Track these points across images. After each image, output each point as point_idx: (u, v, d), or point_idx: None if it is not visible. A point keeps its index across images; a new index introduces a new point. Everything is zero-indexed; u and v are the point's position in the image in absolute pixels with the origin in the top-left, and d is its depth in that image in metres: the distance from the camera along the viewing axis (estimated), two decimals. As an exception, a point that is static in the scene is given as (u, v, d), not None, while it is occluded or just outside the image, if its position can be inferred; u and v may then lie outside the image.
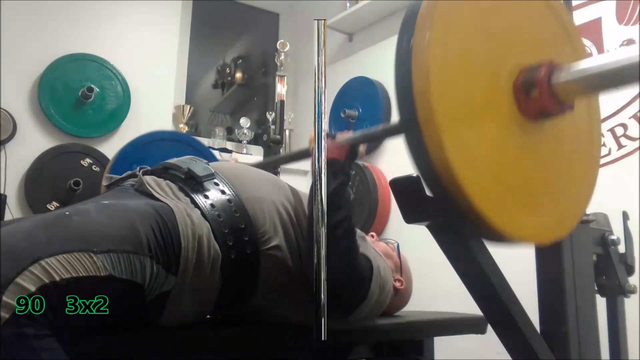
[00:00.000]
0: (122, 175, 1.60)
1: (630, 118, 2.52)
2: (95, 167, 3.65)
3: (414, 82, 1.11)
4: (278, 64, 3.58)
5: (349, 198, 1.51)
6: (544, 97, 1.23)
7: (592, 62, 1.21)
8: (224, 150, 4.08)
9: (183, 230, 1.31)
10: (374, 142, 3.81)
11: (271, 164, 2.70)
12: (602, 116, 2.50)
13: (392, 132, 1.60)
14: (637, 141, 2.47)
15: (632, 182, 2.38)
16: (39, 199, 3.47)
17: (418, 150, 1.13)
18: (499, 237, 1.22)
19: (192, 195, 1.44)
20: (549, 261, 1.46)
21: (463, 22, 1.21)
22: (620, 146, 2.55)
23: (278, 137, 2.77)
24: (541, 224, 1.30)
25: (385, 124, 1.53)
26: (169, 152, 2.41)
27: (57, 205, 3.45)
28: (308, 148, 1.74)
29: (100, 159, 3.67)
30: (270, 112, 3.91)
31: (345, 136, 1.63)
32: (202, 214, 1.40)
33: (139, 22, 4.07)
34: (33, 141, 3.56)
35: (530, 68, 1.26)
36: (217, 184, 1.49)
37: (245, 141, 4.40)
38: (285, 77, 3.47)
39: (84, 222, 1.20)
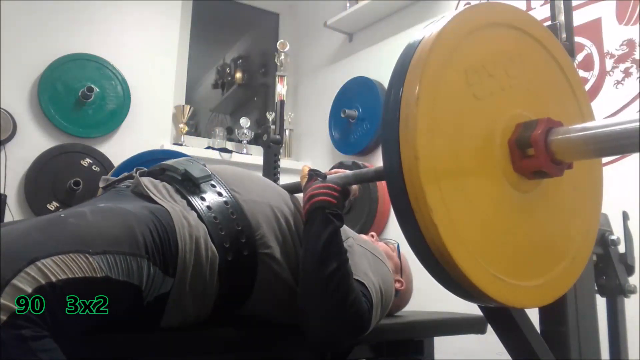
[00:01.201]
0: (119, 177, 1.60)
1: None
2: (95, 167, 3.65)
3: (400, 132, 1.09)
4: (278, 64, 3.55)
5: (342, 243, 1.48)
6: (540, 156, 1.18)
7: (595, 124, 1.17)
8: (224, 150, 4.08)
9: (180, 232, 1.31)
10: (376, 143, 3.83)
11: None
12: (603, 116, 2.51)
13: (379, 177, 1.52)
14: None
15: (632, 182, 2.38)
16: (39, 199, 3.47)
17: (400, 205, 1.10)
18: (494, 304, 1.19)
19: (189, 197, 1.44)
20: None
21: (456, 74, 1.17)
22: None
23: (278, 137, 2.74)
24: (538, 289, 1.26)
25: (378, 168, 1.49)
26: None
27: (57, 205, 3.45)
28: (300, 182, 1.69)
29: (100, 159, 3.67)
30: (270, 112, 3.90)
31: (336, 176, 1.60)
32: (199, 216, 1.40)
33: (139, 22, 4.07)
34: (33, 141, 3.55)
35: (527, 124, 1.23)
36: (214, 186, 1.49)
37: (245, 141, 4.39)
38: (285, 77, 3.45)
39: (79, 223, 1.20)
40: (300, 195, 1.63)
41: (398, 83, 1.13)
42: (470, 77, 1.19)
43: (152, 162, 1.60)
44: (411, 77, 1.11)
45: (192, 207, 1.41)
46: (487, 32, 1.26)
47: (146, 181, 1.47)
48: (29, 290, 1.02)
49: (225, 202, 1.45)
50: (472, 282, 1.10)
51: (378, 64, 4.02)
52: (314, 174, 1.59)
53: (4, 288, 0.99)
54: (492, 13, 1.30)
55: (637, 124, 1.08)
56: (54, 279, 1.06)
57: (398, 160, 1.08)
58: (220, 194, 1.47)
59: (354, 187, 1.66)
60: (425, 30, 1.20)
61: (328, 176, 1.60)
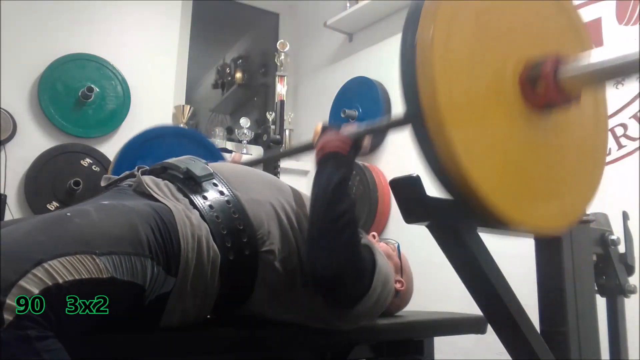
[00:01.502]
0: (120, 176, 1.60)
1: (630, 118, 2.52)
2: (95, 167, 3.62)
3: (418, 76, 1.11)
4: (278, 64, 3.55)
5: (351, 191, 1.50)
6: (550, 90, 1.22)
7: (599, 54, 1.21)
8: (224, 150, 3.98)
9: (182, 231, 1.31)
10: (376, 141, 3.78)
11: (273, 160, 2.71)
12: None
13: (398, 124, 1.56)
14: (637, 141, 2.47)
15: (632, 182, 2.38)
16: (39, 199, 3.44)
17: (424, 145, 1.13)
18: (504, 225, 1.22)
19: (191, 196, 1.43)
20: (549, 261, 1.45)
21: (467, 17, 1.20)
22: (620, 146, 2.54)
23: (278, 137, 2.75)
24: (546, 213, 1.30)
25: (391, 116, 1.52)
26: (173, 149, 2.41)
27: (57, 205, 3.42)
28: (311, 141, 1.72)
29: (100, 159, 3.64)
30: (270, 112, 3.87)
31: (350, 128, 1.61)
32: (201, 215, 1.39)
33: (139, 22, 4.05)
34: (33, 141, 3.53)
35: (536, 61, 1.26)
36: (215, 185, 1.48)
37: (245, 141, 4.36)
38: (285, 77, 3.46)
39: (85, 223, 1.20)
40: (306, 195, 1.64)
41: (413, 27, 1.15)
42: (480, 19, 1.22)
43: (155, 140, 1.57)
44: (424, 21, 1.14)
45: (194, 206, 1.41)
46: None
47: (148, 180, 1.47)
48: (36, 291, 1.02)
49: (227, 201, 1.45)
50: (494, 204, 1.15)
51: (378, 64, 3.99)
52: (327, 128, 1.62)
53: (10, 289, 0.99)
54: None
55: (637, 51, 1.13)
56: (60, 281, 1.06)
57: (417, 102, 1.11)
58: (222, 193, 1.47)
59: (365, 141, 1.67)
60: None
61: (342, 127, 1.62)
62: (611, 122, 2.57)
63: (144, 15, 4.07)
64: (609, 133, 2.55)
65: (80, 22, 3.80)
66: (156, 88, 4.04)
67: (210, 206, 1.42)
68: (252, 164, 2.26)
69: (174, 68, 4.18)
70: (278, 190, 1.59)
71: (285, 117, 3.72)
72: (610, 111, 2.53)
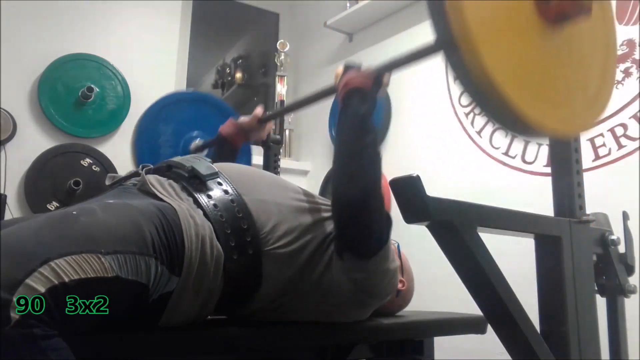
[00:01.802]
0: (125, 175, 1.60)
1: (630, 118, 2.51)
2: (95, 167, 3.60)
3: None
4: (278, 64, 3.54)
5: (375, 126, 1.56)
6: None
7: None
8: None
9: (186, 230, 1.31)
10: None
11: (293, 108, 2.74)
12: (603, 116, 2.50)
13: (424, 54, 1.60)
14: (637, 141, 2.47)
15: (632, 182, 2.38)
16: (39, 199, 3.42)
17: (458, 69, 1.12)
18: (525, 127, 1.22)
19: (195, 195, 1.43)
20: (549, 260, 1.45)
21: None
22: (620, 146, 2.54)
23: (278, 137, 2.73)
24: (559, 116, 1.29)
25: (416, 47, 1.56)
26: (190, 113, 2.66)
27: (57, 205, 3.40)
28: (333, 84, 1.75)
29: (100, 159, 3.63)
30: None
31: (369, 66, 1.65)
32: (205, 214, 1.39)
33: (139, 22, 4.03)
34: (33, 141, 3.50)
35: None
36: (220, 184, 1.49)
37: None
38: (285, 77, 3.47)
39: (90, 222, 1.20)
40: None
41: None
42: None
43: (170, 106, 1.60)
44: None
45: (199, 205, 1.41)
46: None
47: (152, 179, 1.47)
48: (42, 290, 1.02)
49: (232, 200, 1.45)
50: (517, 105, 1.13)
51: (378, 63, 3.94)
52: (349, 67, 1.67)
53: (17, 287, 1.00)
54: None
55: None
56: (66, 279, 1.06)
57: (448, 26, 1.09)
58: (226, 192, 1.47)
59: (386, 78, 1.70)
60: None
61: (363, 66, 1.67)
62: (611, 122, 2.57)
63: (144, 15, 4.06)
64: (610, 133, 2.58)
65: (80, 22, 3.79)
66: (156, 88, 3.89)
67: (215, 205, 1.42)
68: (270, 117, 2.48)
69: (174, 68, 4.15)
70: (283, 189, 1.60)
71: (285, 117, 3.71)
72: (610, 111, 2.55)
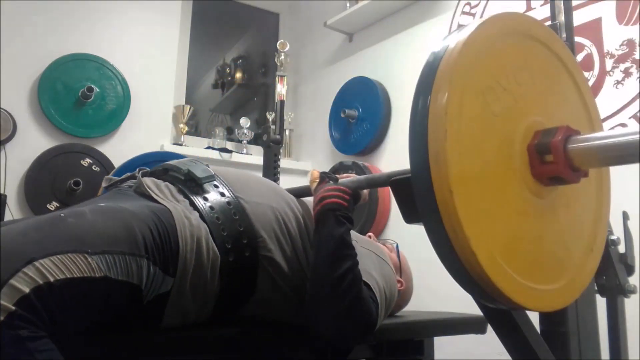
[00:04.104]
0: (122, 177, 1.59)
1: (630, 118, 2.51)
2: (95, 167, 3.58)
3: (429, 145, 1.08)
4: (278, 64, 3.49)
5: (352, 245, 1.43)
6: (559, 162, 1.19)
7: (613, 133, 1.18)
8: (224, 150, 4.03)
9: (181, 231, 1.30)
10: (375, 143, 3.79)
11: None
12: (603, 116, 2.49)
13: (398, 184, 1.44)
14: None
15: (631, 182, 2.37)
16: (39, 199, 3.40)
17: (428, 208, 1.09)
18: (510, 306, 1.19)
19: (191, 197, 1.42)
20: None
21: (480, 82, 1.17)
22: None
23: (278, 137, 2.70)
24: (550, 294, 1.25)
25: (390, 173, 1.49)
26: None
27: (57, 205, 3.41)
28: (309, 185, 1.69)
29: (100, 159, 3.61)
30: (270, 112, 3.80)
31: (347, 179, 1.60)
32: (201, 215, 1.38)
33: (139, 22, 4.03)
34: (33, 141, 3.49)
35: (546, 131, 1.23)
36: (216, 186, 1.48)
37: (245, 141, 4.29)
38: (285, 77, 3.37)
39: (78, 223, 1.19)
40: (309, 199, 1.62)
41: (425, 93, 1.13)
42: (487, 97, 1.18)
43: (152, 164, 1.59)
44: (438, 87, 1.11)
45: (195, 207, 1.40)
46: (498, 45, 1.26)
47: (148, 181, 1.46)
48: (27, 290, 1.01)
49: (228, 203, 1.44)
50: (496, 285, 1.09)
51: (378, 64, 3.96)
52: (325, 177, 1.59)
53: (1, 288, 0.98)
54: (502, 24, 1.29)
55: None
56: (52, 279, 1.05)
57: (427, 167, 1.08)
58: (223, 195, 1.46)
59: (364, 191, 1.65)
60: (444, 44, 1.19)
61: (341, 180, 1.59)
62: (612, 122, 2.56)
63: (144, 15, 4.05)
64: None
65: (80, 21, 3.79)
66: (156, 88, 4.00)
67: (211, 207, 1.41)
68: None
69: (174, 68, 4.14)
70: (278, 195, 1.58)
71: (285, 117, 3.69)
72: (610, 111, 2.54)
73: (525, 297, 1.17)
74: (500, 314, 1.38)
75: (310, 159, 4.53)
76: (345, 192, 1.50)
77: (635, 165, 2.35)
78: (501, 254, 1.12)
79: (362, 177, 1.60)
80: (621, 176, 2.39)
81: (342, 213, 1.44)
